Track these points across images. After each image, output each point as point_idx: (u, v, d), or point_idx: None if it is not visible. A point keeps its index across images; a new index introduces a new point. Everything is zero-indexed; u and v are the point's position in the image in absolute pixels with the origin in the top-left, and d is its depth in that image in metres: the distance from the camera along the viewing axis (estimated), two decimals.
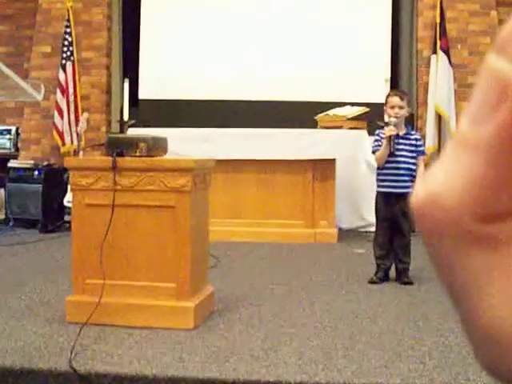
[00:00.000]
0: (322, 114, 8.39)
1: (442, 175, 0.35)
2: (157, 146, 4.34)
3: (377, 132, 5.81)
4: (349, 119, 8.17)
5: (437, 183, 0.35)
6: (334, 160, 7.79)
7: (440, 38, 8.89)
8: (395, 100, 5.65)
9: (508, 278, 0.34)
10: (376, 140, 5.73)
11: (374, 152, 5.74)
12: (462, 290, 0.36)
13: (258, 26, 9.76)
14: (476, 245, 0.35)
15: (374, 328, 4.25)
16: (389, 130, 5.52)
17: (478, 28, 9.17)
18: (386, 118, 5.79)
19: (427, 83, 9.06)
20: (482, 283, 0.35)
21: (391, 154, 5.55)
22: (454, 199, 0.34)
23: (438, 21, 8.94)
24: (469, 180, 0.34)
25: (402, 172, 5.63)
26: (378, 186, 5.77)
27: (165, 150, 4.50)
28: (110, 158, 4.14)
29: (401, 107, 5.63)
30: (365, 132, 8.01)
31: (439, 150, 8.93)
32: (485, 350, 0.36)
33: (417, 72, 9.37)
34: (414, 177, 5.68)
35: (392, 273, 5.74)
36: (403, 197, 5.64)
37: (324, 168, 7.80)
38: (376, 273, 5.70)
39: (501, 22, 9.38)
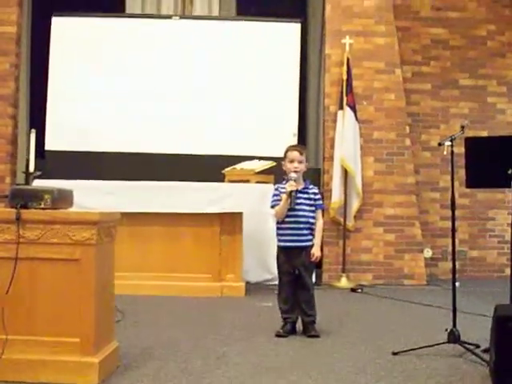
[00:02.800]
0: (229, 168, 8.45)
1: None
2: (62, 199, 4.28)
3: (275, 187, 5.89)
4: (256, 173, 8.24)
5: None
6: (241, 213, 7.82)
7: (346, 94, 9.08)
8: (295, 155, 5.75)
9: None
10: (275, 195, 5.81)
11: (273, 207, 5.80)
12: None
13: (167, 80, 9.81)
14: None
15: (282, 382, 4.24)
16: (290, 185, 5.60)
17: (383, 85, 9.43)
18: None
19: (334, 138, 9.21)
20: None
21: (291, 209, 5.62)
22: None
23: (344, 77, 9.13)
24: None
25: (301, 226, 5.71)
26: (279, 241, 5.81)
27: (70, 203, 4.44)
28: (14, 210, 4.06)
29: (300, 162, 5.72)
30: (272, 186, 8.06)
31: (345, 204, 9.07)
32: None
33: (324, 127, 9.53)
34: (313, 230, 5.76)
35: (299, 325, 5.77)
36: (304, 250, 5.71)
37: (231, 221, 7.82)
38: (283, 326, 5.71)
39: (405, 79, 9.69)
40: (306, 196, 5.76)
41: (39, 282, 4.07)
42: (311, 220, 5.75)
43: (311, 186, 5.87)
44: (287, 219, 5.71)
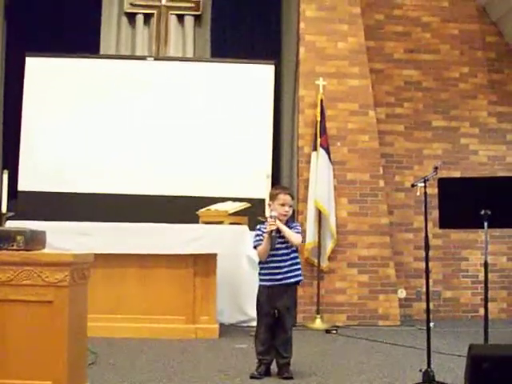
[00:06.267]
0: (203, 209, 8.44)
1: None
2: (35, 240, 4.25)
3: (258, 227, 5.86)
4: (230, 214, 8.24)
5: None
6: (215, 255, 7.79)
7: (320, 136, 9.12)
8: (287, 198, 5.77)
9: None
10: (257, 235, 5.78)
11: (255, 247, 5.78)
12: None
13: (141, 121, 9.80)
14: None
15: None
16: (270, 225, 5.59)
17: (356, 126, 9.50)
18: (268, 213, 5.87)
19: (308, 179, 9.23)
20: None
21: (273, 249, 5.61)
22: None
23: (318, 119, 9.19)
24: None
25: (284, 264, 5.69)
26: (261, 280, 5.78)
27: (43, 244, 4.41)
28: None
29: (290, 206, 5.76)
30: (246, 227, 8.07)
31: (319, 245, 9.07)
32: None
33: (298, 168, 9.55)
34: (297, 268, 5.74)
35: (273, 367, 5.73)
36: (287, 290, 5.69)
37: (205, 263, 7.77)
38: (257, 368, 5.68)
39: (378, 120, 9.77)
40: None
41: (11, 324, 4.02)
42: (295, 260, 5.75)
43: (294, 224, 5.87)
44: (270, 259, 5.70)
